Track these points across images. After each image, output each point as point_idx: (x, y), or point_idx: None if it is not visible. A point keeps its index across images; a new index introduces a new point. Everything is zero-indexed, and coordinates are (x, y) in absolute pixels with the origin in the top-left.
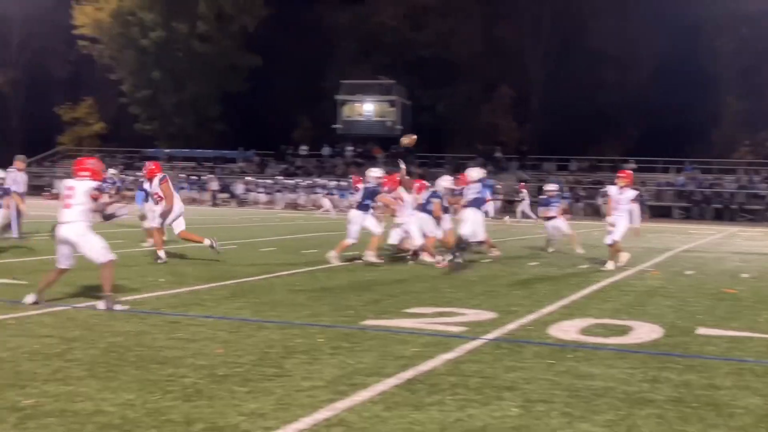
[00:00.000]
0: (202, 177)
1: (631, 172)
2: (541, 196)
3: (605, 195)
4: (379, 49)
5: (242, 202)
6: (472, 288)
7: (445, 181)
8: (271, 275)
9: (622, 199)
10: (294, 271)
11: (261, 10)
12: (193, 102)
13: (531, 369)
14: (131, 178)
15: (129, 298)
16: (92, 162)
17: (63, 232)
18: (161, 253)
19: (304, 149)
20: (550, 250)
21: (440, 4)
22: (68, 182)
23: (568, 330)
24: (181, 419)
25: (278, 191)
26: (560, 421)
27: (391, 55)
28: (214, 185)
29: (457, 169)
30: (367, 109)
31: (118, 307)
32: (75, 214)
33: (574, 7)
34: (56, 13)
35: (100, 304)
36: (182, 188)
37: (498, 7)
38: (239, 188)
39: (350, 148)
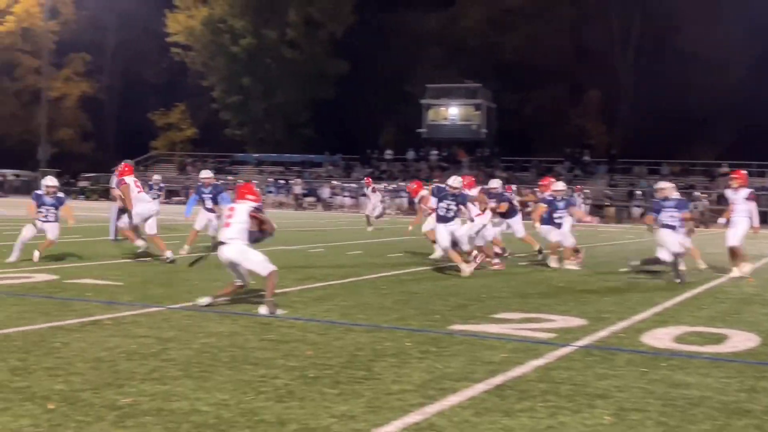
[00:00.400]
0: (289, 181)
1: (745, 172)
2: (653, 200)
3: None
4: (464, 53)
5: (328, 206)
6: (560, 294)
7: (493, 184)
8: (359, 278)
9: (738, 200)
10: (380, 275)
11: (349, 17)
12: (282, 108)
13: (623, 377)
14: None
15: (221, 300)
16: (254, 188)
17: (225, 252)
18: (139, 242)
19: (389, 153)
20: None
21: (527, 7)
22: (230, 204)
23: (661, 338)
24: (274, 420)
25: (363, 195)
26: (655, 430)
27: (477, 58)
28: (299, 189)
29: (542, 174)
30: (452, 112)
31: (279, 311)
32: (234, 233)
33: (664, 8)
34: (150, 22)
35: (262, 309)
36: (269, 192)
37: (586, 10)
38: (325, 192)
39: (435, 152)
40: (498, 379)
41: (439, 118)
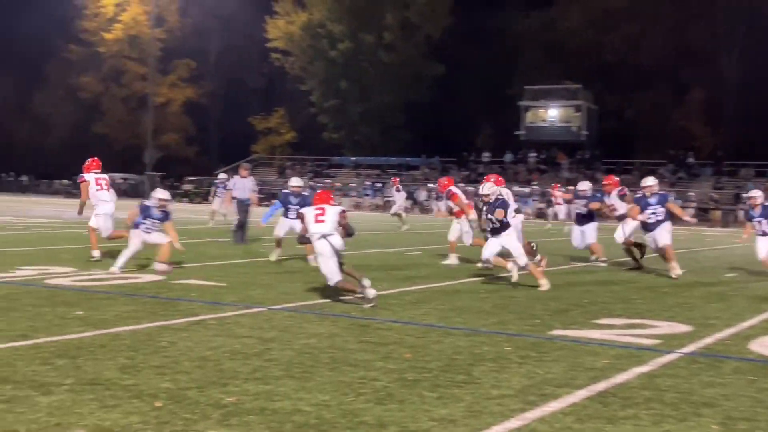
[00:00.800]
0: (385, 184)
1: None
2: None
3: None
4: (564, 54)
5: (424, 209)
6: (664, 299)
7: (582, 186)
8: (456, 282)
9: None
10: (478, 278)
11: (445, 19)
12: (378, 111)
13: (731, 385)
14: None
15: (320, 301)
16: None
17: (325, 246)
18: (95, 253)
19: (486, 156)
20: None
21: (628, 7)
22: (320, 205)
23: None
24: (374, 422)
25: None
26: None
27: (577, 59)
28: (423, 195)
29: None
30: (551, 114)
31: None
32: (331, 228)
33: None
34: (251, 28)
35: (368, 292)
36: (366, 195)
37: (690, 9)
38: (421, 195)
39: (533, 154)
40: (600, 386)
41: (537, 119)
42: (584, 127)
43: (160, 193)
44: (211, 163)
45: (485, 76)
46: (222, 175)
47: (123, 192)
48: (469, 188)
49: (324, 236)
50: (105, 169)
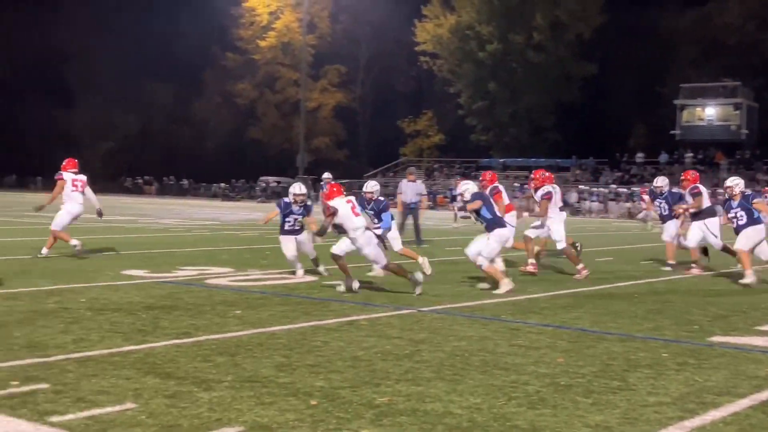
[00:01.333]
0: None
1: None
2: None
3: None
4: (722, 51)
5: (576, 211)
6: None
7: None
8: (610, 285)
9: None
10: (632, 282)
11: (597, 18)
12: (527, 112)
13: None
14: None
15: (469, 303)
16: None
17: (373, 237)
18: (74, 242)
19: (640, 156)
20: None
21: None
22: (345, 197)
23: None
24: (526, 426)
25: (612, 200)
26: None
27: (736, 56)
28: (574, 197)
29: None
30: (708, 113)
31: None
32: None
33: None
34: (400, 32)
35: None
36: (515, 197)
37: None
38: (572, 197)
39: (689, 154)
40: (764, 395)
41: (694, 118)
42: (744, 126)
43: (297, 189)
44: (360, 166)
45: (638, 75)
46: (327, 175)
47: (277, 194)
48: (622, 189)
49: (366, 227)
50: (259, 173)
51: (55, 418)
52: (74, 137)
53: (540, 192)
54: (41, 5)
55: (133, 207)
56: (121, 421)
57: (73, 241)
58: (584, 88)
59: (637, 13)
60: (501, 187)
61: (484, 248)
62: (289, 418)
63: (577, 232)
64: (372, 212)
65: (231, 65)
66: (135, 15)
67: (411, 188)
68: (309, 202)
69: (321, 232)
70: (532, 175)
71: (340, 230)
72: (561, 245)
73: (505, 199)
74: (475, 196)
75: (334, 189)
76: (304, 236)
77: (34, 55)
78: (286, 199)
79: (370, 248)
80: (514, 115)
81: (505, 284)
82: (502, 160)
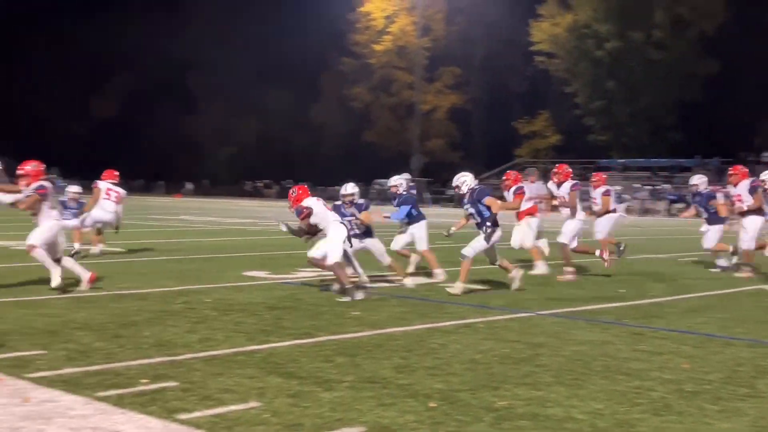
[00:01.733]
0: (656, 187)
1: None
2: None
3: None
4: None
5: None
6: None
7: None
8: (736, 290)
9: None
10: (761, 287)
11: (721, 13)
12: (646, 111)
13: None
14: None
15: (589, 307)
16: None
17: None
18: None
19: (766, 155)
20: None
21: None
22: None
23: None
24: None
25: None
26: None
27: None
28: (672, 196)
29: None
30: None
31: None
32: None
33: None
34: (515, 33)
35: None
36: (635, 198)
37: None
38: (720, 197)
39: None
40: None
41: None
42: None
43: (345, 189)
44: (475, 168)
45: (763, 73)
46: (404, 177)
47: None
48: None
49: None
50: (374, 176)
51: (183, 416)
52: (198, 143)
53: (565, 186)
54: (166, 19)
55: (253, 210)
56: (246, 420)
57: (76, 245)
58: (707, 86)
59: (763, 9)
60: (525, 188)
61: (475, 244)
62: (409, 420)
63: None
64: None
65: (347, 70)
66: (253, 24)
67: (531, 190)
68: (361, 200)
69: (298, 233)
70: (555, 169)
71: (313, 232)
72: (562, 239)
73: (527, 203)
74: (482, 192)
75: (300, 191)
76: (372, 242)
77: (160, 66)
78: (338, 203)
79: (330, 241)
80: (633, 115)
81: (457, 287)
82: (621, 160)
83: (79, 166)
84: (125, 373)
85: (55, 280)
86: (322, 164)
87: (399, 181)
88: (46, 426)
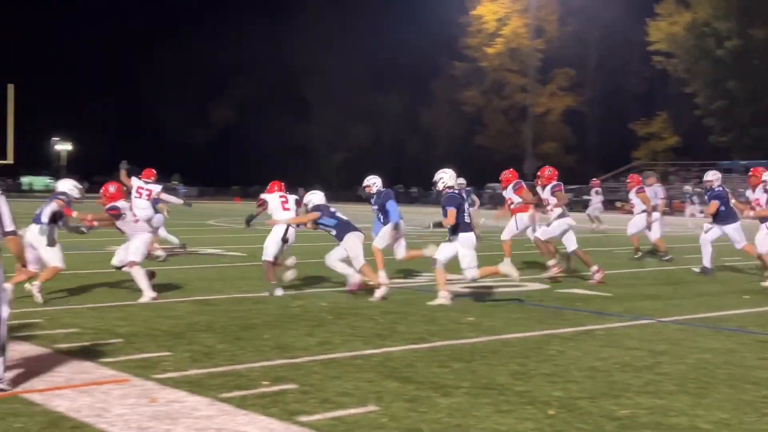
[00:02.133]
0: None
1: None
2: None
3: None
4: None
5: None
6: None
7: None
8: None
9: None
10: None
11: None
12: None
13: None
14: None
15: (713, 314)
16: None
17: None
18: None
19: None
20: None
21: None
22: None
23: None
24: None
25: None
26: None
27: None
28: None
29: None
30: None
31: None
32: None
33: None
34: (631, 32)
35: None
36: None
37: None
38: None
39: None
40: None
41: None
42: None
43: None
44: (591, 170)
45: None
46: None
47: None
48: None
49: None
50: (486, 179)
51: (303, 418)
52: (311, 149)
53: (549, 187)
54: (280, 28)
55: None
56: (365, 423)
57: (160, 252)
58: None
59: None
60: (523, 184)
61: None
62: (528, 427)
63: None
64: (376, 207)
65: (458, 74)
66: (364, 30)
67: (651, 192)
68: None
69: (248, 220)
70: (539, 173)
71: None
72: (538, 233)
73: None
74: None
75: (275, 186)
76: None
77: (274, 73)
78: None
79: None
80: (756, 115)
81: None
82: (743, 162)
83: (200, 173)
84: (247, 374)
85: (149, 294)
86: (434, 168)
87: (372, 181)
88: (173, 426)
